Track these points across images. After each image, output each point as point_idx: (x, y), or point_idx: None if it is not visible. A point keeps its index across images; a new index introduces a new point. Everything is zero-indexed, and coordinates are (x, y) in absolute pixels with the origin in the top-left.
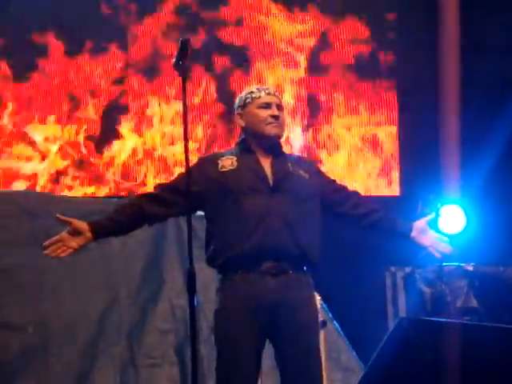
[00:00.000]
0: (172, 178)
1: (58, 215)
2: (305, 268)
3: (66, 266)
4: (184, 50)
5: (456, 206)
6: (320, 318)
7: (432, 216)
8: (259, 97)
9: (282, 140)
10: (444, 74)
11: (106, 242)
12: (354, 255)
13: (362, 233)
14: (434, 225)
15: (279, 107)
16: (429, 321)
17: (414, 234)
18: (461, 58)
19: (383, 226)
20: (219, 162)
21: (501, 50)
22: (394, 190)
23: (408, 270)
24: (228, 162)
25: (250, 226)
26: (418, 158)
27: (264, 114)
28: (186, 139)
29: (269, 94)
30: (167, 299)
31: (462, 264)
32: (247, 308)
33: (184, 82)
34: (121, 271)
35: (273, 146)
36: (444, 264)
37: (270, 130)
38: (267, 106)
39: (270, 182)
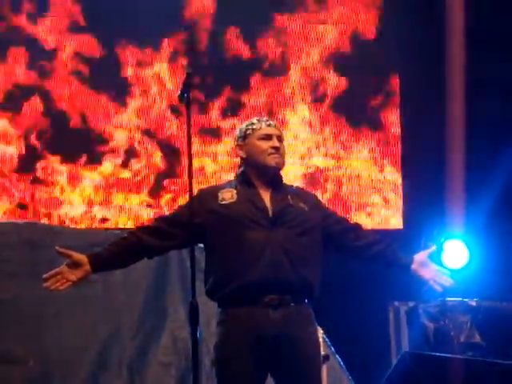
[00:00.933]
0: (171, 211)
1: (57, 247)
2: (306, 300)
3: (68, 298)
4: (189, 82)
5: (459, 240)
6: (323, 353)
7: (433, 249)
8: (260, 128)
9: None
10: (449, 110)
11: (108, 274)
12: (357, 289)
13: (365, 267)
14: (437, 259)
15: (279, 138)
16: (432, 356)
17: (414, 266)
18: (466, 96)
19: (384, 258)
20: (219, 194)
21: (505, 89)
22: (398, 224)
23: (411, 304)
24: (228, 195)
25: (251, 259)
26: (422, 192)
27: (265, 145)
28: (190, 172)
29: (269, 125)
30: (169, 332)
31: (466, 299)
32: (248, 341)
33: (189, 114)
34: (123, 303)
35: (273, 178)
36: (447, 299)
37: (271, 161)
38: (268, 137)
39: (270, 214)
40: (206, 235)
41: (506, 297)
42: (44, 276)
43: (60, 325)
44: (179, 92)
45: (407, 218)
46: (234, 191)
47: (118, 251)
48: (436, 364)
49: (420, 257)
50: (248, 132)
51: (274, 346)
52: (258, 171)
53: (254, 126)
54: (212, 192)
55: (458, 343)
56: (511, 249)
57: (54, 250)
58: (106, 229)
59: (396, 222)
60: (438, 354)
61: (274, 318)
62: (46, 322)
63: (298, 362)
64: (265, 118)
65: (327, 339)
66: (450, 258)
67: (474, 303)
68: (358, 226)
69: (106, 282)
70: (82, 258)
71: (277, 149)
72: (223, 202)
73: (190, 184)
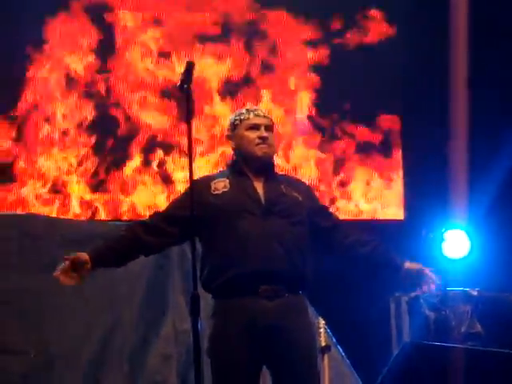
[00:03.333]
0: (167, 205)
1: (65, 256)
2: (300, 291)
3: (68, 290)
4: (189, 72)
5: (461, 230)
6: (324, 343)
7: (428, 271)
8: (248, 118)
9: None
10: (453, 98)
11: None
12: (358, 280)
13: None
14: (438, 249)
15: (268, 128)
16: (433, 345)
17: (405, 267)
18: (468, 84)
19: (373, 259)
20: (212, 184)
21: (506, 77)
22: (399, 214)
23: (412, 294)
24: (221, 185)
25: (245, 249)
26: (423, 182)
27: (252, 135)
28: (190, 163)
29: (257, 115)
30: (170, 324)
31: (466, 289)
32: (243, 333)
33: (188, 105)
34: (124, 295)
35: (264, 167)
36: (448, 289)
37: (259, 151)
38: (255, 127)
39: (264, 203)
40: (200, 227)
41: (506, 287)
42: (54, 274)
43: (61, 316)
44: (179, 82)
45: (408, 208)
46: (227, 181)
47: (120, 249)
48: (437, 353)
49: (411, 264)
50: (236, 122)
51: (269, 337)
52: (248, 161)
53: (243, 117)
54: (205, 182)
55: (458, 333)
56: None
57: (58, 241)
58: (105, 221)
59: (397, 212)
60: (438, 343)
61: (268, 309)
62: (47, 313)
63: (294, 353)
64: (254, 108)
65: (328, 330)
66: (452, 248)
67: (475, 293)
68: (345, 224)
69: (106, 273)
70: (84, 257)
71: (264, 138)
72: (216, 192)
73: (191, 177)
